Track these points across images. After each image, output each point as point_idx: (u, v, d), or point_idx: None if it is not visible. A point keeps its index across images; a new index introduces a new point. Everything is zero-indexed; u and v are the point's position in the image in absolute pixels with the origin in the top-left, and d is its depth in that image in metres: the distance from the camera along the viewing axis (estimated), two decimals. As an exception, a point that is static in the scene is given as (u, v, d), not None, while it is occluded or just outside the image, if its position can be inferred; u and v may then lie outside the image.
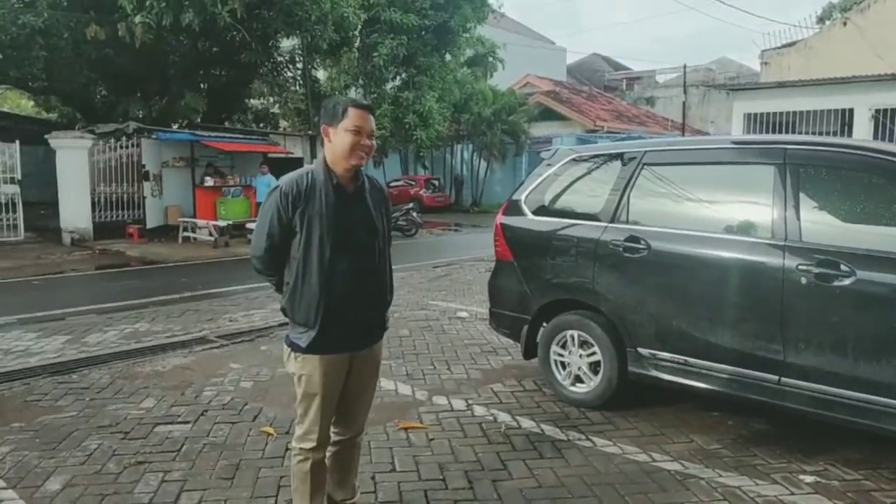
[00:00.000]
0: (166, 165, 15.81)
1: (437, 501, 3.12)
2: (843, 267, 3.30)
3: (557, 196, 4.70)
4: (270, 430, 3.94)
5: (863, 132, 12.05)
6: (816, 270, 3.37)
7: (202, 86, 18.36)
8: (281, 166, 16.06)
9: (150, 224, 15.20)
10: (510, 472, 3.42)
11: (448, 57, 21.32)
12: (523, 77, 30.24)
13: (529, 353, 4.68)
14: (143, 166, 15.18)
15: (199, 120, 17.55)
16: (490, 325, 5.19)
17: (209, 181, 15.82)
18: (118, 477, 3.36)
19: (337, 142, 2.48)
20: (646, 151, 4.34)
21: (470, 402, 4.45)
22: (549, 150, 5.09)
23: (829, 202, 3.69)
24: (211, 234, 14.11)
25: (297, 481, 2.68)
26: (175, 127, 17.48)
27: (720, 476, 3.36)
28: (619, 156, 4.49)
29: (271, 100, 20.50)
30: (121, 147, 15.13)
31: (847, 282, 3.28)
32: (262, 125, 20.61)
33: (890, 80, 11.73)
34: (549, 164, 4.81)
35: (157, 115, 17.12)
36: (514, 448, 3.72)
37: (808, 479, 3.33)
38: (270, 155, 17.03)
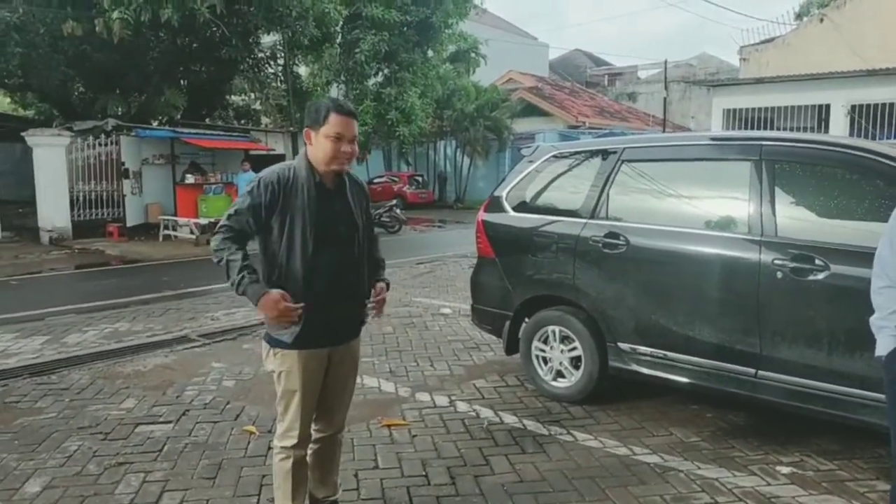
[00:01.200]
0: (146, 163, 15.65)
1: (419, 498, 3.14)
2: (817, 261, 3.36)
3: (538, 192, 4.72)
4: (253, 429, 3.94)
5: (839, 128, 12.23)
6: (792, 265, 3.42)
7: (182, 82, 18.18)
8: (263, 163, 15.93)
9: (131, 222, 15.05)
10: (492, 468, 3.44)
11: (430, 53, 21.29)
12: (506, 73, 30.26)
13: (511, 348, 4.71)
14: (123, 164, 15.02)
15: (179, 117, 17.39)
16: (473, 322, 5.21)
17: (190, 178, 15.68)
18: (98, 478, 3.34)
19: (317, 147, 2.49)
20: (625, 148, 4.38)
21: (453, 398, 4.47)
22: (530, 146, 5.11)
23: (804, 197, 3.75)
24: (192, 232, 14.00)
25: (278, 479, 2.67)
26: (155, 124, 17.31)
27: (699, 468, 3.42)
28: (599, 152, 4.52)
29: (252, 96, 20.34)
30: (100, 144, 14.95)
31: (821, 276, 3.34)
32: (243, 122, 20.47)
33: (865, 76, 11.91)
34: (530, 161, 4.84)
35: (136, 112, 16.93)
36: (496, 443, 3.75)
37: (785, 469, 3.40)
38: (252, 152, 16.93)
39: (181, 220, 14.68)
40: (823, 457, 3.53)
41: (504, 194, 4.82)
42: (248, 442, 3.78)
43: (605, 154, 4.45)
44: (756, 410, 3.98)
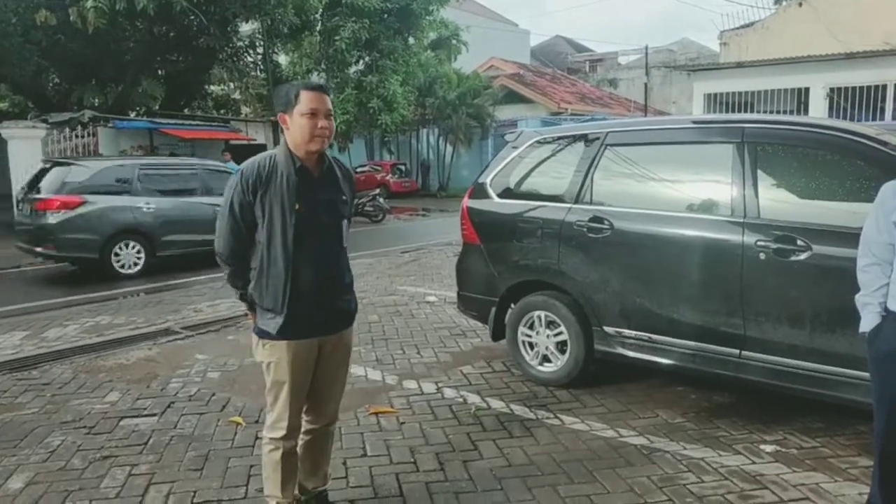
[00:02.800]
0: (125, 154, 15.42)
1: (408, 484, 3.14)
2: (799, 242, 3.39)
3: (523, 178, 4.72)
4: (239, 420, 3.91)
5: (818, 110, 12.34)
6: (774, 246, 3.45)
7: (160, 72, 17.90)
8: (243, 153, 15.79)
9: (110, 215, 14.81)
10: (481, 453, 3.45)
11: (411, 40, 21.15)
12: (487, 60, 30.16)
13: (498, 334, 4.71)
14: (101, 155, 14.78)
15: (157, 107, 17.13)
16: (458, 309, 5.21)
17: (169, 170, 15.45)
18: (83, 472, 3.30)
19: (294, 128, 2.45)
20: (608, 132, 4.38)
21: (440, 385, 4.48)
22: (514, 132, 5.10)
23: (785, 179, 3.77)
24: (173, 224, 13.81)
25: (268, 470, 2.65)
26: (132, 115, 17.04)
27: (685, 449, 3.45)
28: (583, 137, 4.52)
29: (232, 86, 20.11)
30: (76, 136, 14.71)
31: (803, 256, 3.38)
32: (222, 112, 20.23)
33: (843, 59, 12.01)
34: (513, 147, 4.82)
35: (113, 103, 16.65)
36: (484, 429, 3.76)
37: (769, 448, 3.44)
38: (232, 142, 16.76)
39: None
40: (806, 434, 3.58)
41: (488, 181, 4.81)
42: (235, 433, 3.75)
43: (588, 139, 4.45)
44: (740, 390, 4.03)
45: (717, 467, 3.24)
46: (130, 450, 3.54)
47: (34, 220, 8.80)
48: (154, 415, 4.03)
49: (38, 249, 8.81)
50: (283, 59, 21.03)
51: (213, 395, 4.35)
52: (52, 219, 8.60)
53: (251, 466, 3.32)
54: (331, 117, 2.49)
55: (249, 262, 2.56)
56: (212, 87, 20.25)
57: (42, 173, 9.40)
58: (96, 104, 16.15)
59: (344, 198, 2.61)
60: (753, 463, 3.28)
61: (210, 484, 3.17)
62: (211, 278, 8.62)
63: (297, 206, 2.44)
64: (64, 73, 16.87)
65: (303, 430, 2.72)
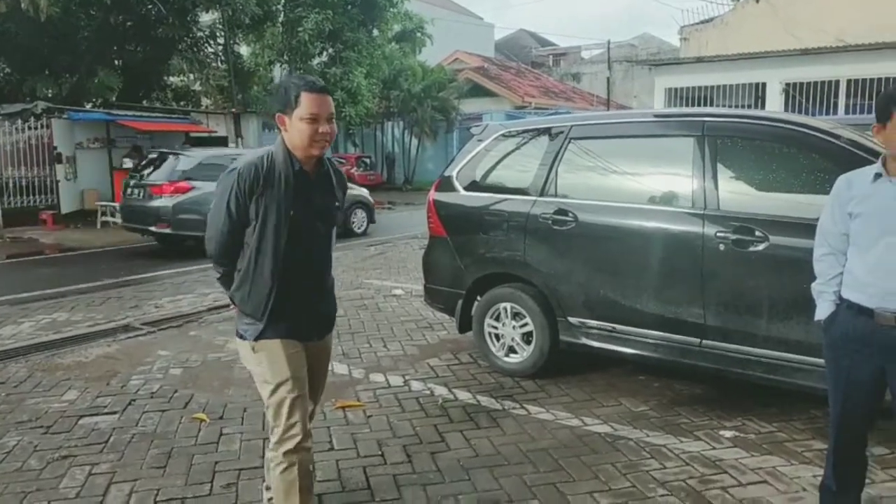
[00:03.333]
0: (81, 147, 14.99)
1: (376, 477, 3.14)
2: (757, 233, 3.48)
3: (488, 171, 4.74)
4: (203, 416, 3.86)
5: (775, 104, 12.65)
6: (734, 237, 3.54)
7: (116, 62, 17.41)
8: (205, 146, 15.52)
9: (65, 209, 14.41)
10: (448, 444, 3.47)
11: (375, 32, 20.99)
12: (452, 53, 30.13)
13: (464, 326, 4.74)
14: (55, 148, 14.35)
15: (114, 99, 16.66)
16: (425, 301, 5.21)
17: (128, 163, 15.09)
18: (41, 473, 3.21)
19: (293, 132, 2.28)
20: (572, 126, 4.42)
21: (407, 377, 4.48)
22: (479, 125, 5.12)
23: (744, 171, 3.86)
24: (132, 219, 13.50)
25: (282, 495, 2.37)
26: (89, 106, 16.55)
27: (647, 436, 3.52)
28: (547, 130, 4.56)
29: (192, 77, 19.66)
30: (29, 128, 14.22)
31: (761, 247, 3.47)
32: (182, 103, 19.78)
33: (799, 55, 12.33)
34: (479, 140, 4.84)
35: (68, 94, 16.14)
36: (451, 420, 3.78)
37: (728, 433, 3.53)
38: (193, 134, 16.41)
39: (120, 205, 14.14)
40: (763, 420, 3.69)
41: (454, 174, 4.82)
42: (199, 429, 3.70)
43: (552, 132, 4.48)
44: (700, 378, 4.12)
45: (678, 453, 3.32)
46: (90, 449, 3.46)
47: (148, 203, 9.96)
48: (114, 413, 3.94)
49: (152, 228, 9.98)
50: (244, 49, 20.66)
51: (176, 391, 4.28)
52: (167, 202, 9.77)
53: (216, 463, 3.28)
54: (332, 120, 2.32)
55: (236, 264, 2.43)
56: (171, 79, 19.78)
57: (148, 164, 10.88)
58: (50, 95, 15.63)
59: (337, 204, 2.50)
60: (713, 448, 3.37)
61: (174, 482, 3.12)
62: (173, 273, 8.47)
63: (291, 213, 2.30)
64: (15, 62, 16.29)
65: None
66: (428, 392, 4.22)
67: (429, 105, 23.48)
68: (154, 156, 11.12)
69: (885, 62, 11.40)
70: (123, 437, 3.59)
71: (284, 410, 2.35)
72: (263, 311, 2.35)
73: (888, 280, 2.25)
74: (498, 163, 4.74)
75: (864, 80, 11.86)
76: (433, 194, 4.91)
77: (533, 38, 43.73)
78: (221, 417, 3.85)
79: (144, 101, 18.07)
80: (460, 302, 4.69)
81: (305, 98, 2.24)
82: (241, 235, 2.36)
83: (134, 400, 4.14)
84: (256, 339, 2.37)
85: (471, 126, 5.52)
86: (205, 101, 20.64)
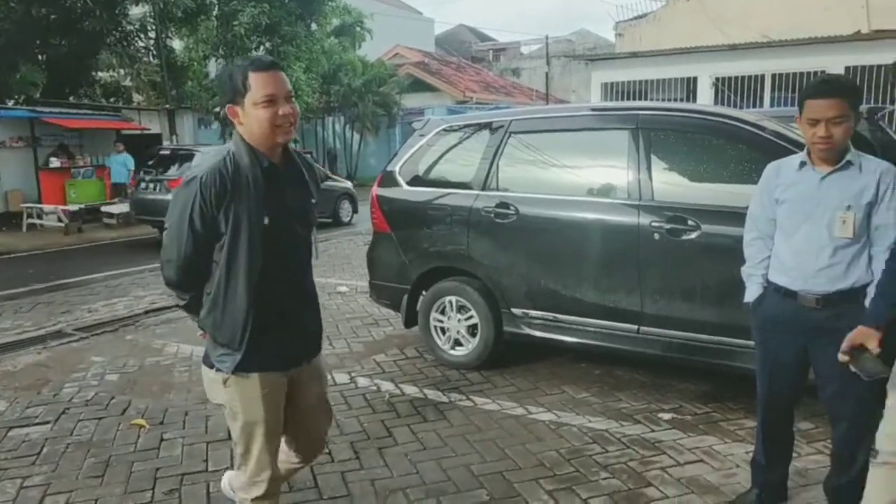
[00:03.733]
0: (2, 146, 14.22)
1: (324, 475, 3.12)
2: (689, 222, 3.61)
3: (431, 166, 4.75)
4: (142, 422, 3.75)
5: (705, 98, 13.11)
6: (668, 226, 3.66)
7: (40, 57, 16.57)
8: (137, 143, 15.00)
9: (-13, 212, 13.69)
10: (395, 439, 3.48)
11: (314, 26, 20.64)
12: (392, 48, 29.96)
13: (410, 321, 4.74)
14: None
15: (38, 95, 15.87)
16: (370, 298, 5.19)
17: (55, 162, 14.45)
18: (-33, 488, 3.06)
19: (251, 122, 1.97)
20: (511, 120, 4.48)
21: (353, 374, 4.46)
22: (421, 120, 5.13)
23: (676, 163, 4.00)
24: (61, 220, 12.93)
25: None
26: (11, 103, 15.71)
27: (590, 421, 3.62)
28: (488, 125, 4.60)
29: (122, 72, 18.90)
30: (-56, 126, 13.42)
31: (693, 235, 3.60)
32: (112, 100, 19.00)
33: (728, 50, 12.80)
34: (421, 135, 4.84)
35: (-14, 91, 15.30)
36: (398, 415, 3.79)
37: (666, 416, 3.67)
38: (124, 132, 15.82)
39: (47, 207, 13.51)
40: (699, 402, 3.84)
41: (397, 169, 4.82)
42: (138, 436, 3.59)
43: (492, 127, 4.53)
44: (639, 364, 4.26)
45: (619, 437, 3.43)
46: (21, 461, 3.32)
47: (167, 196, 9.85)
48: (47, 423, 3.78)
49: None
50: (177, 44, 19.99)
51: (113, 398, 4.14)
52: None
53: (157, 469, 3.20)
54: (292, 98, 2.02)
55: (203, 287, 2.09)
56: (100, 74, 18.95)
57: (161, 160, 11.42)
58: (-34, 91, 14.78)
59: (314, 201, 2.18)
60: (652, 431, 3.49)
61: (112, 490, 3.02)
62: (106, 276, 8.16)
63: (266, 221, 1.98)
64: (-74, 57, 15.30)
65: (287, 468, 2.39)
66: (375, 388, 4.21)
67: (370, 100, 23.31)
68: (166, 153, 11.71)
69: (806, 57, 11.98)
70: (57, 448, 3.46)
71: (254, 454, 2.11)
72: (241, 338, 2.01)
73: (811, 263, 2.38)
74: (440, 157, 4.76)
75: (787, 75, 12.42)
76: (376, 190, 4.90)
77: (473, 34, 43.93)
78: (162, 422, 3.75)
79: (72, 98, 17.28)
80: (406, 297, 4.70)
81: (256, 79, 1.95)
82: (208, 254, 2.01)
83: (68, 409, 3.98)
84: (234, 371, 2.04)
85: (413, 121, 5.52)
86: (136, 98, 19.88)
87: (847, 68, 11.59)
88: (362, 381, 4.33)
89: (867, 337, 2.18)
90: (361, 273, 7.69)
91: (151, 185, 11.16)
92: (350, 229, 12.38)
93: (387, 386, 4.23)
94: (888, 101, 11.07)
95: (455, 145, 4.75)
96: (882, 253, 2.30)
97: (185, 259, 2.00)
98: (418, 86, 26.94)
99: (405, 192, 4.73)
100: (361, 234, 11.18)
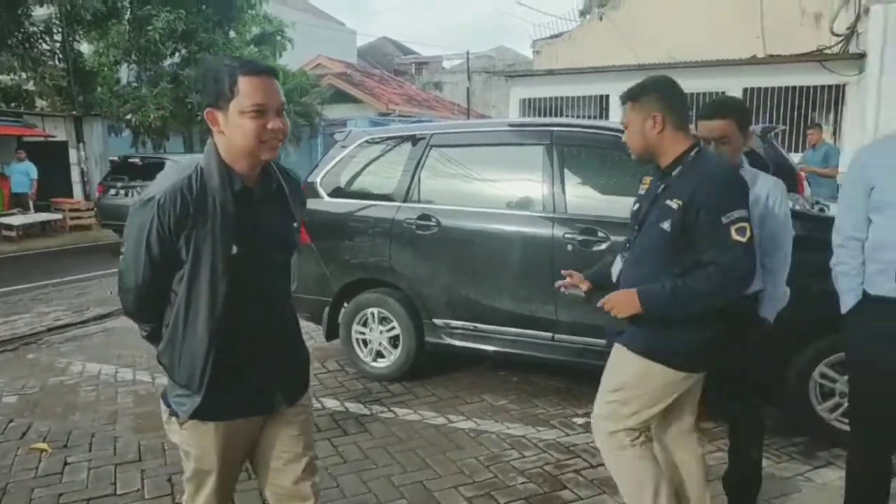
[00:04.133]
0: None
1: (240, 494, 3.02)
2: (600, 233, 3.79)
3: (353, 178, 4.76)
4: (44, 446, 3.55)
5: (617, 115, 13.68)
6: (580, 238, 3.83)
7: (-69, 58, 15.44)
8: (40, 151, 14.20)
9: None
10: (315, 454, 3.44)
11: (232, 34, 20.21)
12: (314, 58, 29.66)
13: (331, 334, 4.72)
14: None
15: (-72, 98, 14.77)
16: (290, 310, 5.11)
17: (-53, 170, 13.48)
18: None
19: (234, 132, 1.71)
20: (433, 134, 4.56)
21: (273, 389, 4.38)
22: (343, 131, 5.14)
23: (588, 177, 4.19)
24: (-47, 232, 12.06)
25: None
26: None
27: (508, 428, 3.72)
28: (410, 137, 4.67)
29: (24, 75, 17.85)
30: None
31: (604, 246, 3.78)
32: (13, 105, 17.89)
33: (637, 70, 13.42)
34: (342, 146, 4.85)
35: None
36: (318, 429, 3.75)
37: (580, 420, 3.81)
38: (27, 138, 14.94)
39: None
40: (611, 406, 4.00)
41: (318, 180, 4.80)
42: (39, 460, 3.40)
43: (414, 139, 4.60)
44: (555, 370, 4.40)
45: (536, 442, 3.54)
46: None
47: None
48: (-64, 449, 3.52)
49: None
50: (85, 48, 19.08)
51: (11, 421, 3.90)
52: None
53: (60, 495, 3.05)
54: (283, 113, 1.76)
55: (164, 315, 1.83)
56: (0, 77, 17.84)
57: (125, 167, 11.72)
58: None
59: (296, 224, 1.92)
60: (567, 435, 3.62)
61: (11, 518, 2.85)
62: (6, 291, 7.66)
63: (233, 251, 1.73)
64: None
65: None
66: (295, 402, 4.15)
67: (291, 110, 22.98)
68: (136, 161, 11.89)
69: (708, 79, 12.77)
70: (-53, 476, 3.23)
71: (200, 500, 1.90)
72: (200, 380, 1.76)
73: None
74: (362, 169, 4.78)
75: (692, 95, 13.18)
76: (296, 201, 4.85)
77: (395, 47, 44.13)
78: (66, 446, 3.57)
79: (-34, 102, 16.17)
80: (327, 309, 4.67)
81: (246, 84, 1.68)
82: (168, 281, 1.77)
83: (-40, 434, 3.73)
84: (191, 416, 1.79)
85: (335, 132, 5.51)
86: (40, 103, 18.80)
87: (745, 90, 12.43)
88: (282, 396, 4.26)
89: None
90: (282, 286, 7.55)
91: (123, 192, 11.29)
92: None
93: (307, 399, 4.18)
94: (780, 121, 11.95)
95: (377, 157, 4.78)
96: (772, 261, 2.52)
97: (143, 287, 1.77)
98: (341, 97, 26.80)
99: (326, 203, 4.72)
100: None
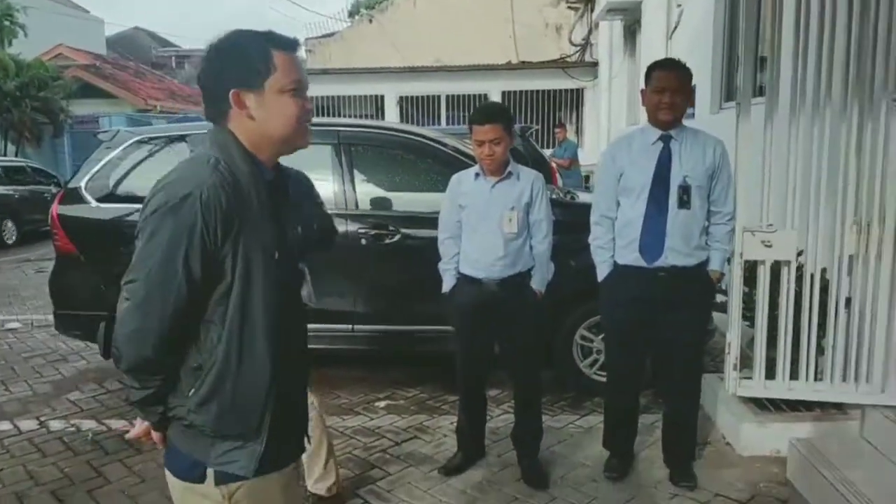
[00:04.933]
0: None
1: (21, 532, 2.75)
2: (390, 228, 4.02)
3: (124, 180, 4.44)
4: None
5: (392, 115, 14.26)
6: (372, 233, 4.02)
7: None
8: None
9: None
10: (107, 477, 3.21)
11: (-57, 16, 17.12)
12: (54, 48, 26.20)
13: (109, 351, 4.34)
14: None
15: None
16: (57, 331, 4.61)
17: None
18: None
19: (270, 115, 1.40)
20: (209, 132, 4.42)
21: (43, 419, 3.95)
22: (108, 131, 4.76)
23: (376, 175, 4.39)
24: None
25: None
26: None
27: (314, 422, 3.79)
28: (182, 138, 4.50)
29: None
30: None
31: (394, 239, 4.02)
32: None
33: (407, 72, 14.11)
34: (108, 148, 4.49)
35: None
36: (107, 452, 3.49)
37: (382, 404, 4.03)
38: None
39: None
40: (408, 386, 4.29)
41: (82, 185, 4.40)
42: None
43: (188, 140, 4.43)
44: (354, 361, 4.56)
45: (343, 430, 3.67)
46: None
47: None
48: None
49: None
50: None
51: None
52: None
53: None
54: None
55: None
56: None
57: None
58: None
59: (299, 228, 1.71)
60: (371, 419, 3.81)
61: None
62: None
63: (275, 254, 1.41)
64: None
65: None
66: (73, 429, 3.80)
67: (28, 105, 20.12)
68: None
69: (472, 82, 13.88)
70: None
71: None
72: (259, 421, 1.39)
73: (488, 256, 2.90)
74: (133, 171, 4.47)
75: (458, 96, 14.19)
76: (57, 209, 4.39)
77: (151, 38, 40.69)
78: None
79: None
80: (103, 325, 4.25)
81: (283, 59, 1.40)
82: (201, 309, 1.36)
83: None
84: (255, 474, 1.39)
85: (97, 131, 5.06)
86: None
87: (503, 92, 13.73)
88: (56, 424, 3.86)
89: None
90: (37, 305, 6.79)
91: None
92: (14, 255, 10.55)
93: (88, 424, 3.84)
94: (533, 121, 13.42)
95: (149, 158, 4.50)
96: (539, 243, 2.92)
97: (173, 322, 1.33)
98: (90, 91, 24.02)
99: (94, 209, 4.34)
100: (30, 260, 9.63)
